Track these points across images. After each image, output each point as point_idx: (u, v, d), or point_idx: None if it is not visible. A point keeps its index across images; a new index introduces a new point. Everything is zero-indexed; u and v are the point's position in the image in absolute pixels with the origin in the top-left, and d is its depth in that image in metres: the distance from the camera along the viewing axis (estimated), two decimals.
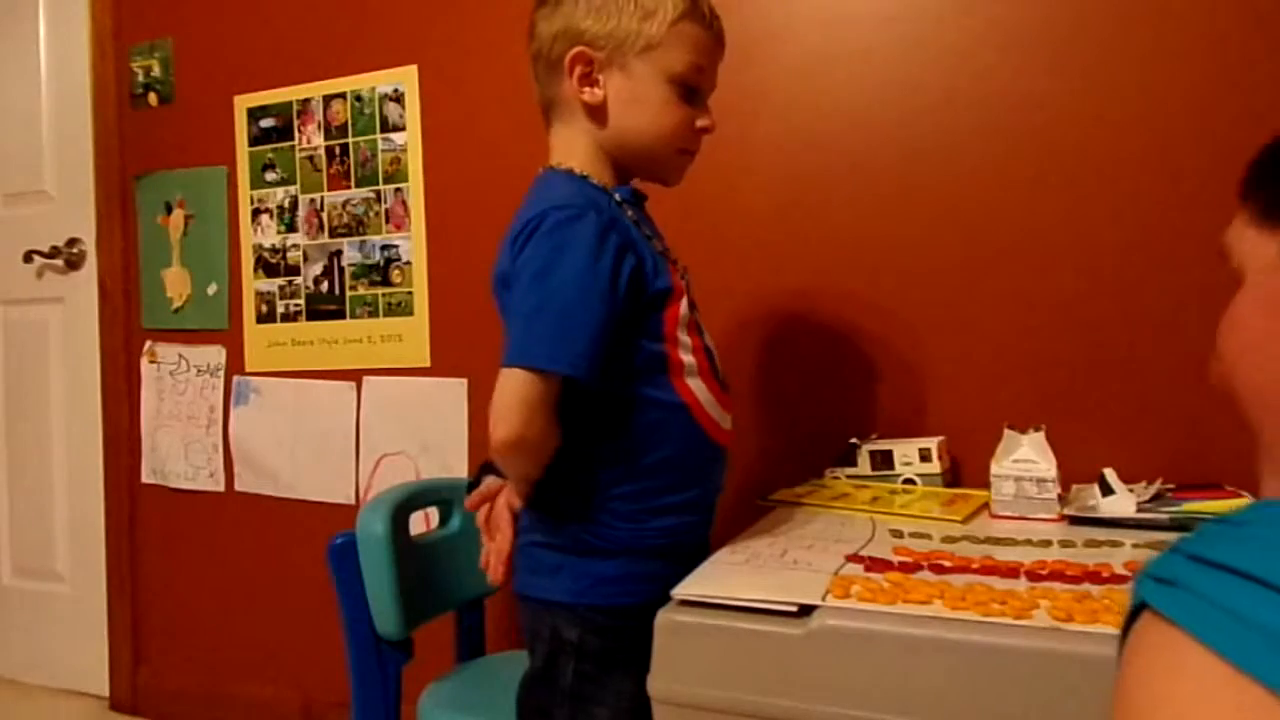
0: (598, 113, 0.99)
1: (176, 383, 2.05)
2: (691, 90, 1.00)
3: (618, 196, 1.00)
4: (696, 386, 0.99)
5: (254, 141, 1.96)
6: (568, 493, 0.98)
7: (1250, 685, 0.30)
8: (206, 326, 2.02)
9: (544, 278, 0.90)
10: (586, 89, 0.99)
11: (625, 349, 0.95)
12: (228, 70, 1.97)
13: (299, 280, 1.92)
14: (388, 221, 1.82)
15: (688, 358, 0.99)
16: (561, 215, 0.91)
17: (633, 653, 0.90)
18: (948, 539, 1.02)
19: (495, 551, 1.01)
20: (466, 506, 1.07)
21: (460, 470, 1.76)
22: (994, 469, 1.15)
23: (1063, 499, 1.14)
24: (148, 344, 2.09)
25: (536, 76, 1.03)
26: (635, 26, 0.96)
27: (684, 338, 0.99)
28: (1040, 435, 1.16)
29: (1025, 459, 1.13)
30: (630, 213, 1.00)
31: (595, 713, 0.95)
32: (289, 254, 1.93)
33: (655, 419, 0.97)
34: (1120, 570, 0.85)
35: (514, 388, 0.89)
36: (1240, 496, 1.11)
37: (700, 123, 1.02)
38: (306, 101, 1.89)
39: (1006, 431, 1.19)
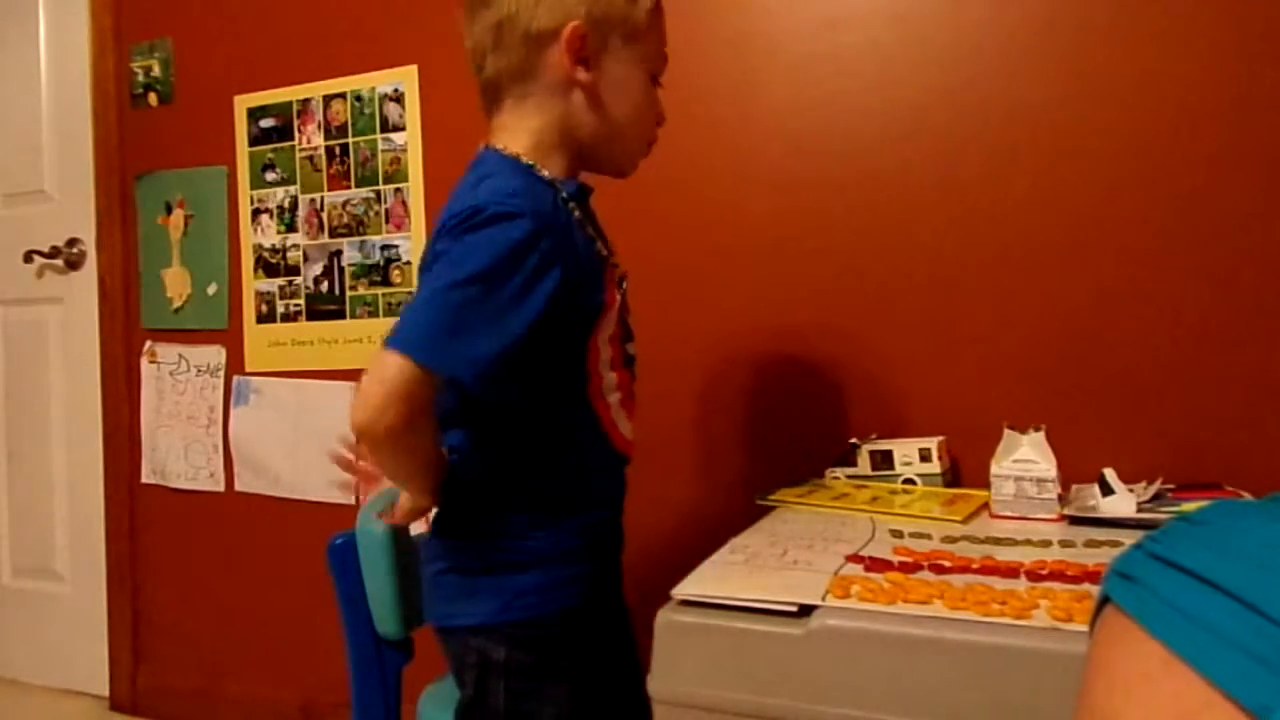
0: (590, 93, 0.93)
1: (176, 383, 2.05)
2: (655, 80, 0.99)
3: (564, 193, 0.93)
4: (612, 400, 0.97)
5: (254, 141, 1.96)
6: (472, 512, 0.94)
7: (1190, 675, 0.32)
8: (206, 326, 2.02)
9: (458, 268, 0.82)
10: (580, 69, 0.91)
11: (542, 371, 0.90)
12: (228, 70, 1.97)
13: (299, 280, 1.92)
14: (388, 221, 1.82)
15: (608, 374, 0.96)
16: (499, 210, 0.83)
17: (563, 659, 0.90)
18: (948, 539, 1.02)
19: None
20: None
21: None
22: (994, 469, 1.15)
23: (1063, 499, 1.14)
24: (148, 344, 2.09)
25: (500, 44, 0.92)
26: (625, 10, 0.92)
27: (606, 353, 0.95)
28: (1040, 435, 1.16)
29: (1025, 459, 1.13)
30: (576, 211, 0.94)
31: None
32: (289, 254, 1.93)
33: (565, 431, 0.95)
34: None
35: (384, 371, 0.81)
36: (1240, 497, 1.11)
37: (660, 111, 1.01)
38: (306, 101, 1.89)
39: (1006, 431, 1.19)
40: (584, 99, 0.93)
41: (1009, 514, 1.13)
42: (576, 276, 0.89)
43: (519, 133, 0.94)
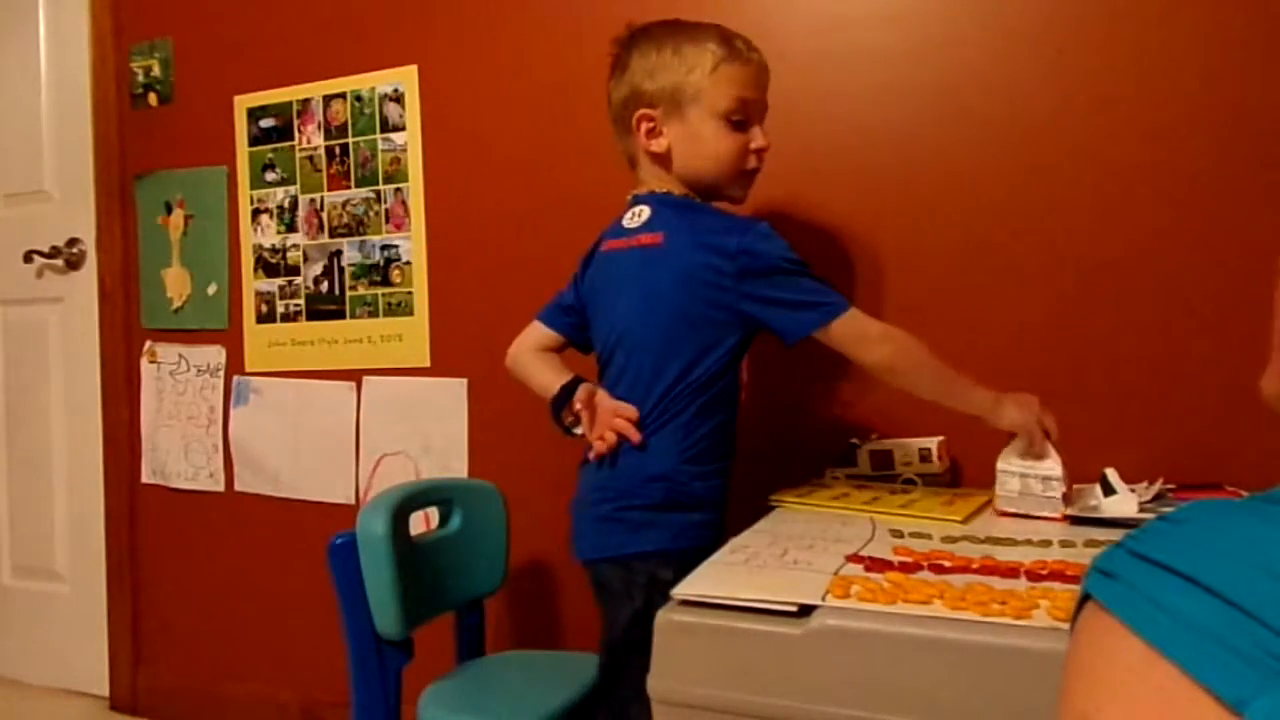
0: (663, 159, 1.19)
1: (176, 383, 2.05)
2: (739, 121, 1.17)
3: None
4: None
5: (254, 141, 1.96)
6: (656, 460, 1.14)
7: (1171, 670, 0.33)
8: (206, 326, 2.02)
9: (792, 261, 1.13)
10: (653, 141, 1.18)
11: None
12: (228, 70, 1.97)
13: (299, 280, 1.92)
14: (388, 221, 1.82)
15: None
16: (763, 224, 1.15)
17: None
18: (948, 539, 1.01)
19: (623, 427, 1.15)
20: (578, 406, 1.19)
21: (460, 470, 1.76)
22: (1000, 464, 1.15)
23: (1068, 498, 1.13)
24: (148, 344, 2.09)
25: (616, 135, 1.24)
26: (682, 80, 1.15)
27: None
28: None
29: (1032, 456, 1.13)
30: None
31: None
32: (289, 254, 1.93)
33: (727, 394, 1.17)
34: None
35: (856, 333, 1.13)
36: (1240, 497, 1.11)
37: (754, 144, 1.18)
38: (306, 101, 1.89)
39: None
40: (665, 161, 1.19)
41: (1012, 510, 1.12)
42: None
43: (660, 183, 1.21)
